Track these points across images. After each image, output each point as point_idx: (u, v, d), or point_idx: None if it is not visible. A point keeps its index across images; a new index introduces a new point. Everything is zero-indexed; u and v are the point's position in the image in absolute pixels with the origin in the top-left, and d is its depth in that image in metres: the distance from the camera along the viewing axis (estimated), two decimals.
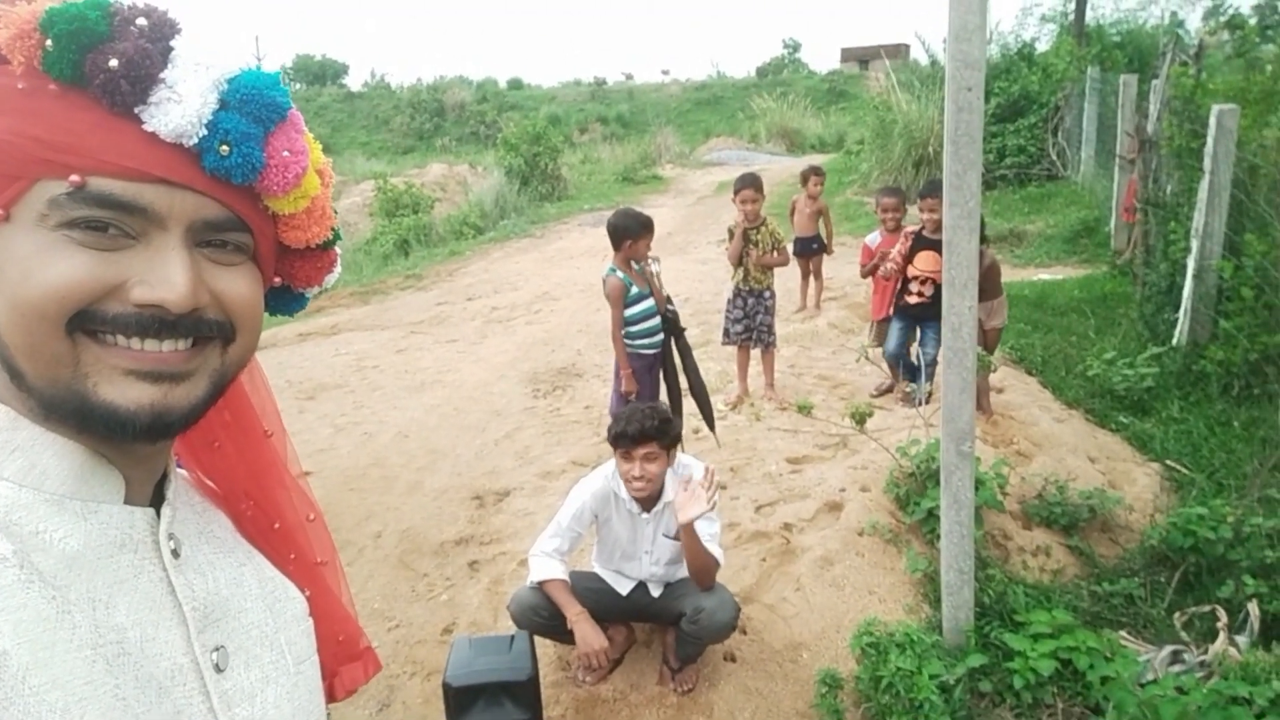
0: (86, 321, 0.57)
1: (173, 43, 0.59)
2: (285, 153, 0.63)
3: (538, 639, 2.99)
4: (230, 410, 0.76)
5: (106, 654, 0.57)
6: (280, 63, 58.32)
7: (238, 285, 0.64)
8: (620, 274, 4.34)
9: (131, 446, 0.62)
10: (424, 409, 6.11)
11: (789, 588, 3.52)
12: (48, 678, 0.53)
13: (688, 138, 31.09)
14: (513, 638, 2.91)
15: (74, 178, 0.56)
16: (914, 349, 5.44)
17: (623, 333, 4.41)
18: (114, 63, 0.56)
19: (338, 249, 0.77)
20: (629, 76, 49.46)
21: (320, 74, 53.46)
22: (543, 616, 2.91)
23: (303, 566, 0.81)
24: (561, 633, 2.93)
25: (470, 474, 4.95)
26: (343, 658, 0.87)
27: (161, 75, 0.58)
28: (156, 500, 0.67)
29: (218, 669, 0.65)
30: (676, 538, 2.91)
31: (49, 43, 0.55)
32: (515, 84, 47.10)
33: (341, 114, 42.64)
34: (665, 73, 48.74)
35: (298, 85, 51.98)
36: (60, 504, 0.59)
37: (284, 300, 0.77)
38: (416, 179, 18.64)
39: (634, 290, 4.35)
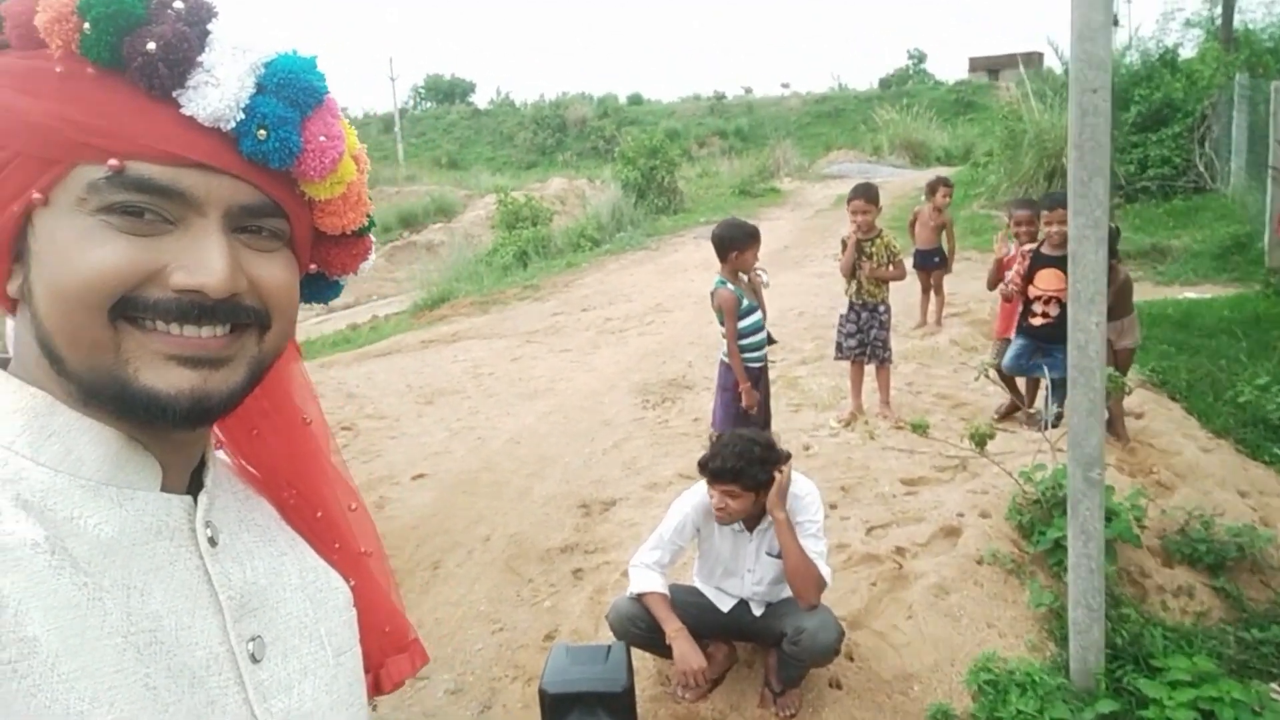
0: (128, 308, 0.57)
1: (210, 26, 0.59)
2: (322, 137, 0.62)
3: (636, 651, 2.98)
4: (269, 398, 0.75)
5: (138, 642, 0.56)
6: (412, 82, 60.96)
7: (274, 272, 0.63)
8: (731, 286, 4.27)
9: (169, 432, 0.61)
10: (536, 416, 6.20)
11: (900, 615, 3.36)
12: (77, 665, 0.52)
13: (807, 151, 30.70)
14: (610, 648, 2.90)
15: (112, 161, 0.55)
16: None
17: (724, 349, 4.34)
18: (152, 46, 0.55)
19: (372, 236, 0.75)
20: (748, 90, 49.30)
21: (449, 92, 55.64)
22: (641, 629, 2.87)
23: (347, 556, 0.80)
24: (660, 646, 2.89)
25: (578, 482, 4.97)
26: (389, 649, 0.85)
27: (199, 59, 0.57)
28: (194, 488, 0.66)
29: (254, 659, 0.64)
30: (780, 557, 2.83)
31: (87, 26, 0.54)
32: (635, 99, 47.71)
33: (468, 130, 44.20)
34: (785, 86, 48.19)
35: (428, 103, 54.23)
36: (96, 490, 0.58)
37: (319, 287, 0.76)
38: (537, 193, 19.11)
39: (745, 303, 4.28)
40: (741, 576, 3.01)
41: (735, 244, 4.25)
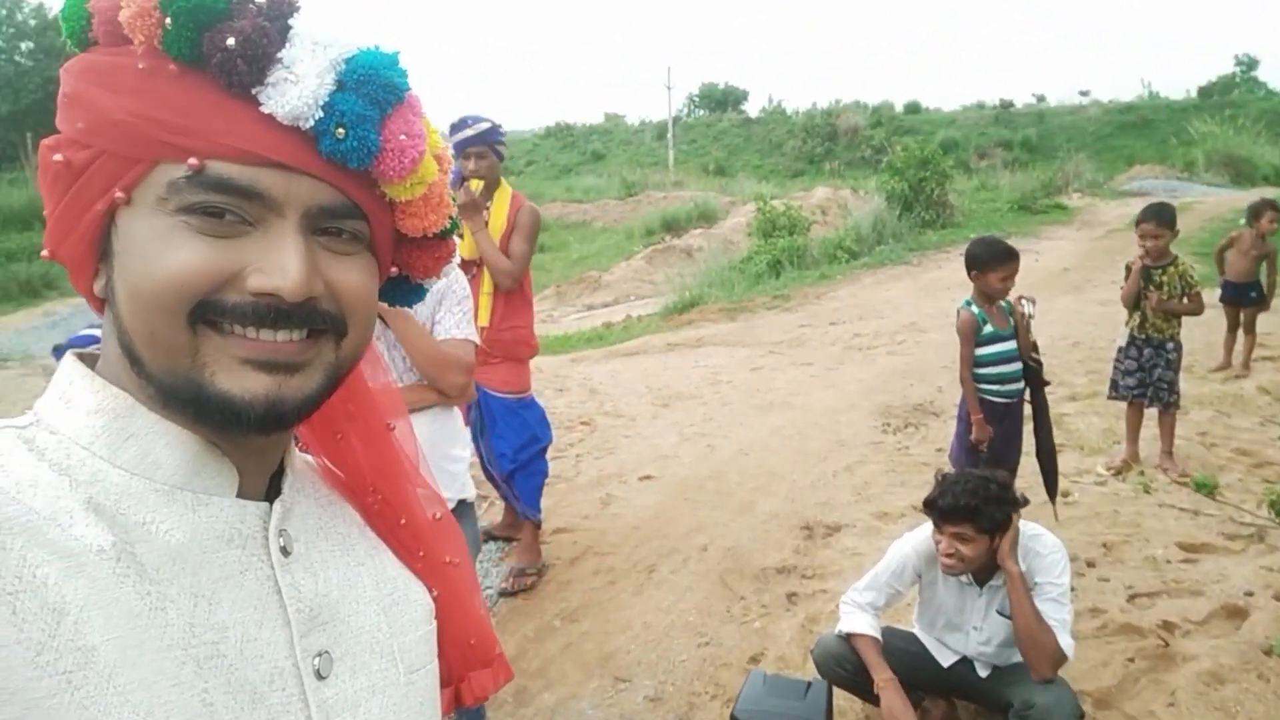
0: (208, 312, 0.56)
1: (291, 21, 0.57)
2: (402, 136, 0.60)
3: (839, 692, 2.79)
4: (353, 401, 0.73)
5: (198, 655, 0.55)
6: (688, 91, 62.68)
7: (351, 276, 0.61)
8: (975, 308, 3.90)
9: (245, 438, 0.60)
10: (768, 429, 6.08)
11: (1160, 701, 2.91)
12: (134, 678, 0.51)
13: (1105, 165, 27.95)
14: (810, 685, 2.75)
15: (192, 161, 0.54)
16: None
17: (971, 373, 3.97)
18: (231, 41, 0.54)
19: (456, 238, 0.73)
20: (1040, 98, 45.59)
21: (722, 100, 56.58)
22: (847, 670, 2.69)
23: (432, 565, 0.77)
24: (866, 690, 2.69)
25: (803, 502, 4.80)
26: (474, 662, 0.82)
27: (279, 55, 0.56)
28: (272, 494, 0.65)
29: (319, 676, 0.62)
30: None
31: (168, 21, 0.53)
32: (912, 108, 45.73)
33: (738, 138, 44.66)
34: (1084, 93, 43.91)
35: (701, 111, 55.51)
36: (171, 495, 0.58)
37: (403, 291, 0.74)
38: (800, 201, 18.87)
39: (988, 328, 3.88)
40: (966, 633, 2.73)
41: (977, 262, 3.86)
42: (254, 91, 0.56)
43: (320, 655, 0.62)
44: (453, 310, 2.41)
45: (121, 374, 0.59)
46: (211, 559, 0.58)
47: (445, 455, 2.44)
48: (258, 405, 0.57)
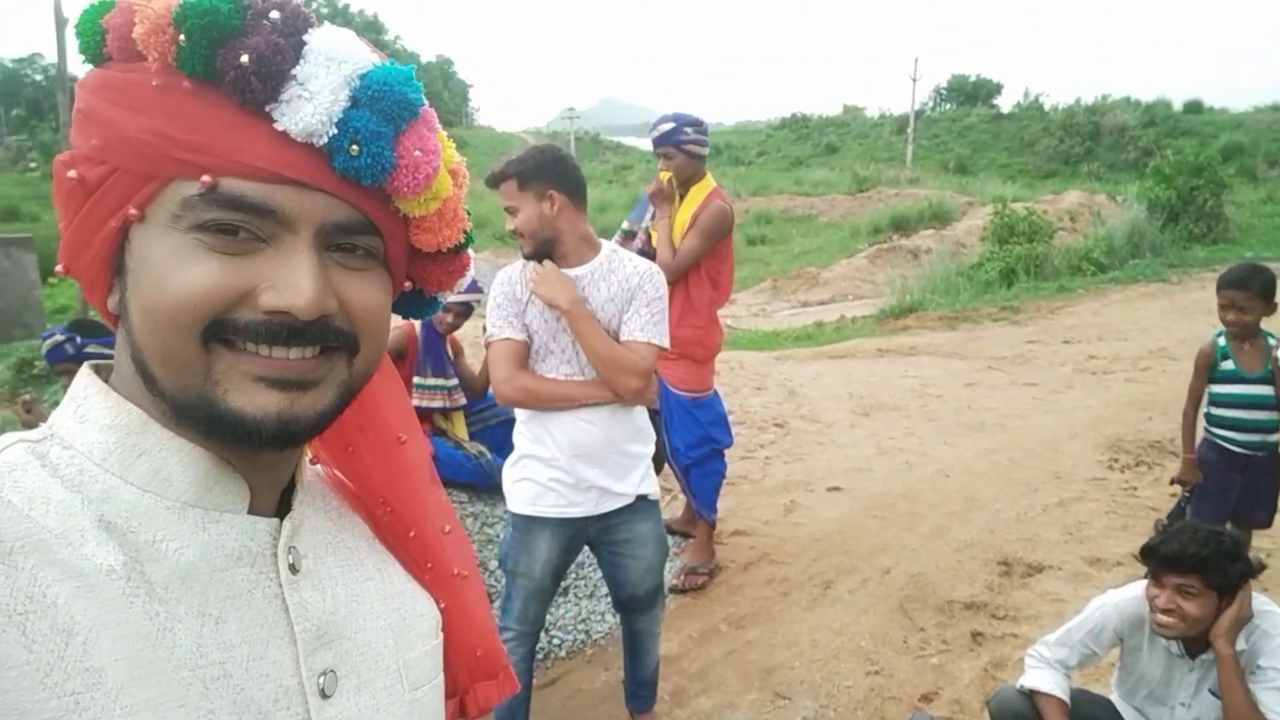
0: (221, 330, 0.56)
1: (306, 37, 0.56)
2: (417, 152, 0.60)
3: None
4: (365, 414, 0.73)
5: (205, 675, 0.55)
6: (935, 83, 59.81)
7: (364, 293, 0.61)
8: (1223, 340, 3.41)
9: (257, 454, 0.60)
10: (975, 451, 5.68)
11: None
12: (141, 698, 0.52)
13: None
14: None
15: (205, 178, 0.54)
16: None
17: (1203, 411, 3.49)
18: (245, 59, 0.54)
19: (470, 252, 0.72)
20: None
21: (972, 93, 53.50)
22: None
23: (440, 577, 0.77)
24: None
25: (1005, 535, 4.45)
26: (479, 674, 0.81)
27: (293, 72, 0.55)
28: (283, 508, 0.65)
29: (324, 694, 0.62)
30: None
31: (182, 38, 0.53)
32: (1193, 106, 40.86)
33: (985, 135, 42.08)
34: None
35: (948, 104, 52.73)
36: (182, 512, 0.58)
37: (416, 304, 0.74)
38: (1047, 206, 17.49)
39: (1228, 365, 3.37)
40: (1172, 708, 2.41)
41: (1219, 286, 3.42)
42: (268, 109, 0.56)
43: (325, 674, 0.62)
44: (640, 311, 2.40)
45: (135, 390, 0.60)
46: (220, 577, 0.59)
47: (620, 451, 2.46)
48: (269, 423, 0.57)
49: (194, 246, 0.55)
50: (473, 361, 4.30)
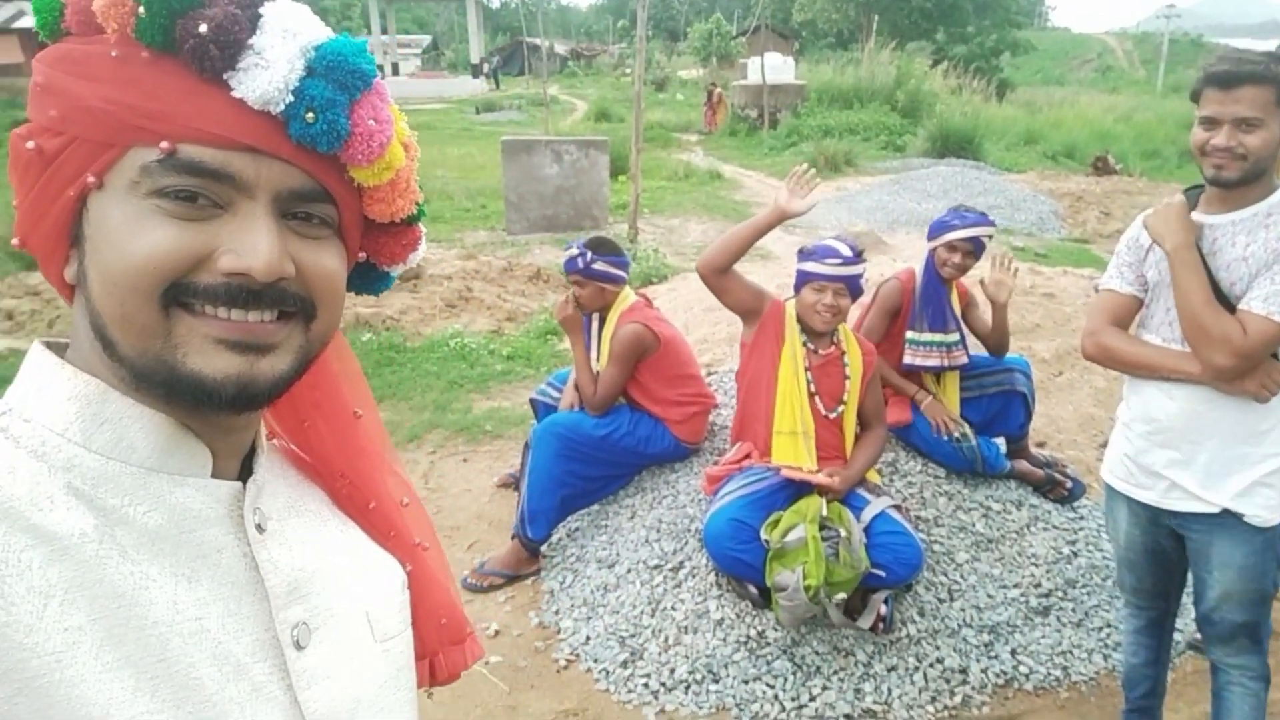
0: (180, 294, 0.57)
1: (261, 9, 0.58)
2: (370, 121, 0.61)
3: None
4: (320, 389, 0.75)
5: (183, 630, 0.57)
6: None
7: (320, 260, 0.63)
8: None
9: (217, 417, 0.62)
10: None
11: None
12: (121, 655, 0.53)
13: None
14: None
15: (164, 144, 0.56)
16: None
17: None
18: (203, 28, 0.55)
19: (422, 226, 0.75)
20: None
21: None
22: None
23: (402, 545, 0.79)
24: None
25: None
26: (445, 641, 0.83)
27: (250, 41, 0.57)
28: (245, 474, 0.67)
29: (298, 646, 0.63)
30: None
31: (141, 9, 0.55)
32: None
33: None
34: None
35: None
36: (146, 477, 0.59)
37: (369, 278, 0.75)
38: None
39: None
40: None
41: None
42: (225, 77, 0.57)
43: (298, 626, 0.64)
44: (1277, 279, 1.90)
45: (93, 359, 0.60)
46: (189, 539, 0.60)
47: (1208, 445, 2.02)
48: (229, 385, 0.58)
49: (153, 212, 0.57)
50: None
